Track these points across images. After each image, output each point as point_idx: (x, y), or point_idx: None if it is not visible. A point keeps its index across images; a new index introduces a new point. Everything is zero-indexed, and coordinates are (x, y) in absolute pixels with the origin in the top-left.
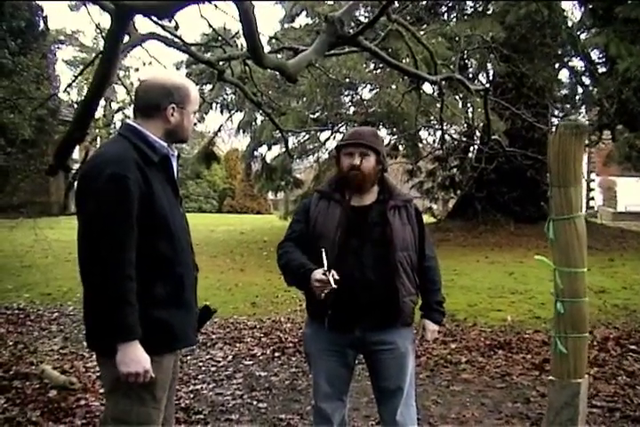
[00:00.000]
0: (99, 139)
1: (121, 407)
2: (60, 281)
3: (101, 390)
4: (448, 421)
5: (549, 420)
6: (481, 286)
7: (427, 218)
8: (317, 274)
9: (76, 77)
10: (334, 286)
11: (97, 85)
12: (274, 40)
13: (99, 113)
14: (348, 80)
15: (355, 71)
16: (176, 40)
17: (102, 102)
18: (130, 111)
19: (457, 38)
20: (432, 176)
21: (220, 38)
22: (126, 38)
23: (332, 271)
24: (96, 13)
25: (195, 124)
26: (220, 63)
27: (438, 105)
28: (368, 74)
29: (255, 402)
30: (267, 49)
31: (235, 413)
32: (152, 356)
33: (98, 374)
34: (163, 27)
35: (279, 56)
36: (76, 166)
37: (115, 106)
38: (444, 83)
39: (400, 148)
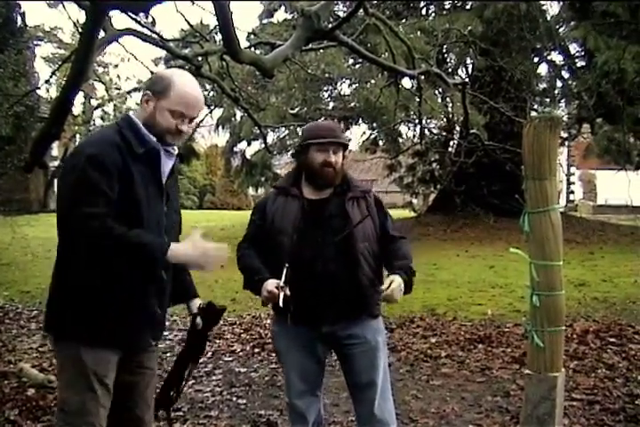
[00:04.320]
0: (77, 136)
1: (61, 395)
2: (39, 279)
3: None
4: (428, 415)
5: (527, 414)
6: (461, 280)
7: (407, 213)
8: (269, 285)
9: (53, 73)
10: (281, 305)
11: (72, 82)
12: (252, 35)
13: (78, 110)
14: (326, 75)
15: (333, 66)
16: (153, 36)
17: (81, 99)
18: (109, 108)
19: (435, 33)
20: (412, 171)
21: (197, 34)
22: (102, 34)
23: (286, 289)
24: (74, 10)
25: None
26: (200, 59)
27: (417, 99)
28: (347, 69)
29: (235, 398)
30: (245, 44)
31: (214, 409)
32: (87, 346)
33: None
34: (139, 22)
35: (257, 51)
36: (56, 163)
37: (94, 102)
38: (422, 77)
39: (380, 142)
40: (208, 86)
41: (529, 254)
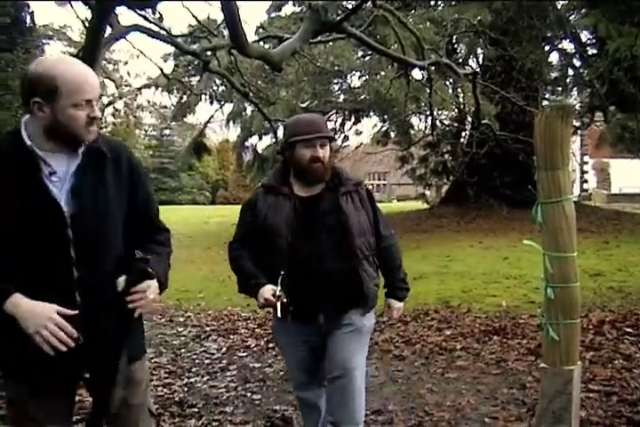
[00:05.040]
0: None
1: None
2: None
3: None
4: (444, 408)
5: (542, 408)
6: (475, 272)
7: (420, 204)
8: (266, 293)
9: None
10: (279, 315)
11: None
12: (261, 29)
13: None
14: (336, 68)
15: (343, 59)
16: (160, 32)
17: None
18: (120, 105)
19: (444, 23)
20: (424, 162)
21: (204, 29)
22: (110, 31)
23: (283, 297)
24: (82, 8)
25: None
26: (208, 54)
27: (428, 91)
28: (357, 61)
29: (249, 394)
30: (254, 38)
31: (229, 405)
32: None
33: None
34: (147, 19)
35: (266, 46)
36: None
37: (105, 100)
38: (432, 68)
39: (391, 134)
40: (219, 81)
41: (542, 246)
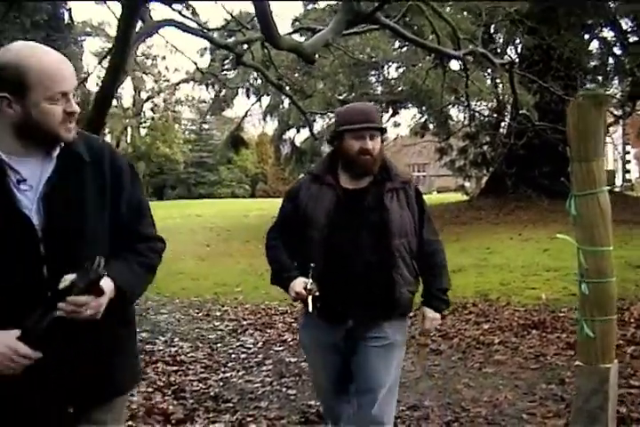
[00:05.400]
0: (129, 129)
1: None
2: None
3: None
4: (480, 404)
5: (578, 407)
6: (514, 264)
7: (459, 196)
8: (298, 286)
9: (94, 68)
10: (310, 310)
11: (112, 74)
12: (297, 22)
13: (128, 103)
14: (372, 59)
15: (378, 50)
16: (193, 25)
17: (131, 92)
18: (159, 100)
19: (480, 12)
20: (463, 154)
21: (238, 22)
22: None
23: (315, 291)
24: (118, 5)
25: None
26: (244, 47)
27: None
28: (393, 52)
29: (284, 389)
30: (289, 31)
31: (264, 400)
32: None
33: None
34: (180, 13)
35: (302, 38)
36: None
37: (144, 95)
38: (471, 58)
39: (430, 126)
40: (256, 75)
41: (576, 240)
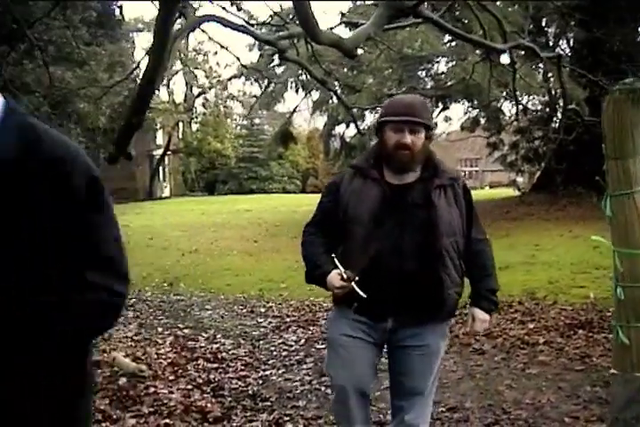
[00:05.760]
0: (180, 124)
1: None
2: (139, 267)
3: (171, 377)
4: (522, 406)
5: (613, 417)
6: (563, 262)
7: (510, 191)
8: (335, 280)
9: (138, 64)
10: (364, 295)
11: (150, 70)
12: (344, 17)
13: (179, 98)
14: (421, 53)
15: (427, 44)
16: (235, 21)
17: (183, 88)
18: (210, 95)
19: (526, 5)
20: (515, 148)
21: (280, 17)
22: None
23: (353, 276)
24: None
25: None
26: (288, 42)
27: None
28: (442, 47)
29: (323, 388)
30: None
31: (302, 399)
32: None
33: (169, 360)
34: (224, 8)
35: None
36: (160, 152)
37: (195, 91)
38: (520, 52)
39: (481, 121)
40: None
41: (612, 241)
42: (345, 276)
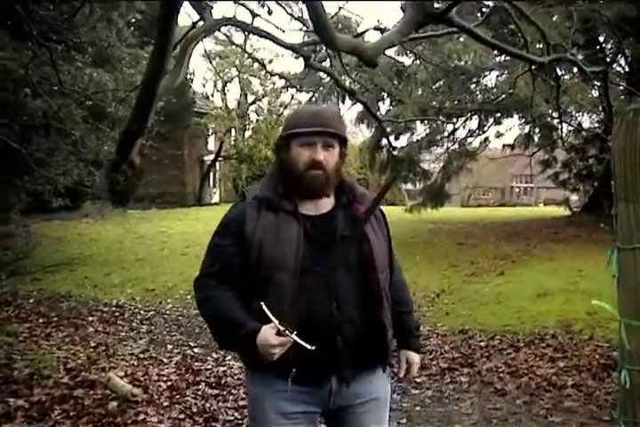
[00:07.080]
0: (233, 130)
1: None
2: (167, 276)
3: (165, 404)
4: None
5: None
6: (606, 291)
7: (560, 210)
8: (271, 337)
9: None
10: (311, 347)
11: (150, 75)
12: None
13: (232, 104)
14: (468, 66)
15: (475, 57)
16: (254, 25)
17: (237, 95)
18: (263, 103)
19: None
20: (567, 167)
21: (302, 22)
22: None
23: (288, 329)
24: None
25: None
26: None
27: (568, 91)
28: (492, 59)
29: None
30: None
31: None
32: None
33: (169, 383)
34: (252, 12)
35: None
36: (211, 157)
37: (250, 98)
38: (563, 66)
39: (535, 138)
40: (348, 79)
41: (618, 309)
42: (281, 329)
